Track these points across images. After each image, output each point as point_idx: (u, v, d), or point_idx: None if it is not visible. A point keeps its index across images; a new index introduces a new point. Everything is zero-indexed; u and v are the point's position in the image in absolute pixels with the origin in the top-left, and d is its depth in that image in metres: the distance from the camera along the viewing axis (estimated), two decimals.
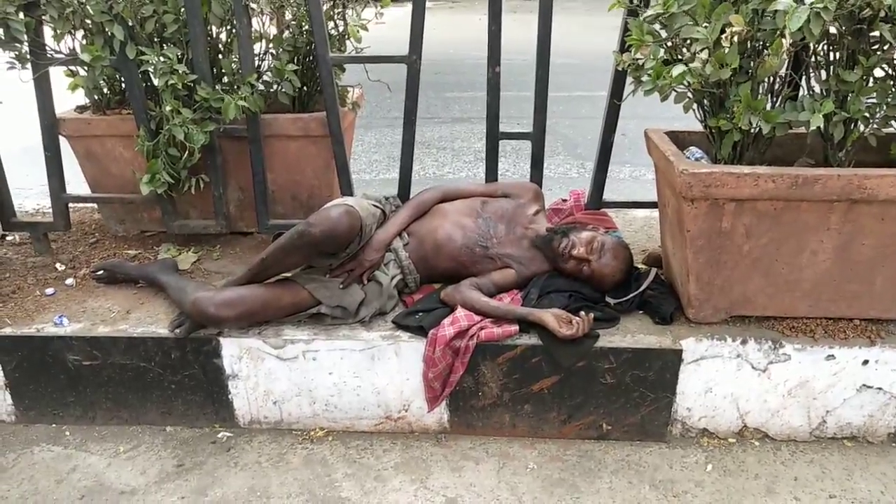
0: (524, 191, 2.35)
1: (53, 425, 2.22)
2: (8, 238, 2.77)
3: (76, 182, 2.71)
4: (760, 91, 1.91)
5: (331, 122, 2.37)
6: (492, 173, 2.46)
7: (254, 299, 2.01)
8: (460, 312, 2.05)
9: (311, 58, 2.57)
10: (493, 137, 2.39)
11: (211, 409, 2.18)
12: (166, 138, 2.31)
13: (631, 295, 2.14)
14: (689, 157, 2.08)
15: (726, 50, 1.68)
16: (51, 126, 2.44)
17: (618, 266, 2.13)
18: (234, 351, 2.09)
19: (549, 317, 1.98)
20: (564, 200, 2.56)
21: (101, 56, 2.20)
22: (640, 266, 2.43)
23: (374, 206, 2.24)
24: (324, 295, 2.07)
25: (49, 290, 2.34)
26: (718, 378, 2.05)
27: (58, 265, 2.52)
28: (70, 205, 2.81)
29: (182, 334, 2.06)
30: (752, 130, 1.77)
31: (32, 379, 2.16)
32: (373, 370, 2.09)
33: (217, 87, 2.35)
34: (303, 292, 2.07)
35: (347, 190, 2.48)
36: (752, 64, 1.84)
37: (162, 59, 2.23)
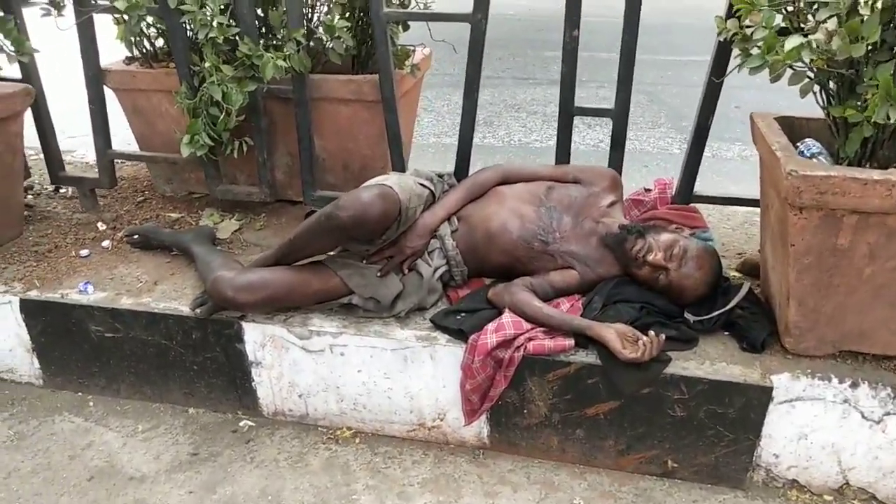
0: (599, 177, 2.01)
1: (79, 394, 2.13)
2: (61, 191, 2.69)
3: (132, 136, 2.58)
4: None
5: (383, 87, 2.11)
6: (563, 153, 2.12)
7: (278, 284, 1.80)
8: (507, 318, 1.77)
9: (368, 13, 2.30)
10: (567, 113, 2.05)
11: (234, 395, 2.02)
12: (206, 97, 2.11)
13: (715, 313, 1.78)
14: (802, 153, 1.69)
15: (864, 18, 1.28)
16: (95, 78, 2.30)
17: (701, 278, 1.77)
18: (258, 337, 1.91)
19: (612, 334, 1.67)
20: (648, 190, 2.19)
21: (137, 4, 2.02)
22: (732, 274, 2.06)
23: (422, 185, 1.97)
24: (357, 283, 1.84)
25: (84, 252, 2.23)
26: (817, 424, 1.69)
27: (100, 224, 2.41)
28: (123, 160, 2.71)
29: (203, 315, 1.89)
30: (892, 126, 1.37)
31: (58, 345, 2.06)
32: (405, 373, 1.86)
33: (262, 43, 2.12)
34: (334, 279, 1.85)
35: (399, 163, 2.22)
36: None
37: (203, 9, 2.02)
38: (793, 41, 1.34)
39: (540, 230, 1.90)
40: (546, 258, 1.90)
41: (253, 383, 1.98)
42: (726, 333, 1.82)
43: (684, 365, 1.70)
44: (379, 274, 1.87)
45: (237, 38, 2.08)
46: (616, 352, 1.64)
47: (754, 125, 1.83)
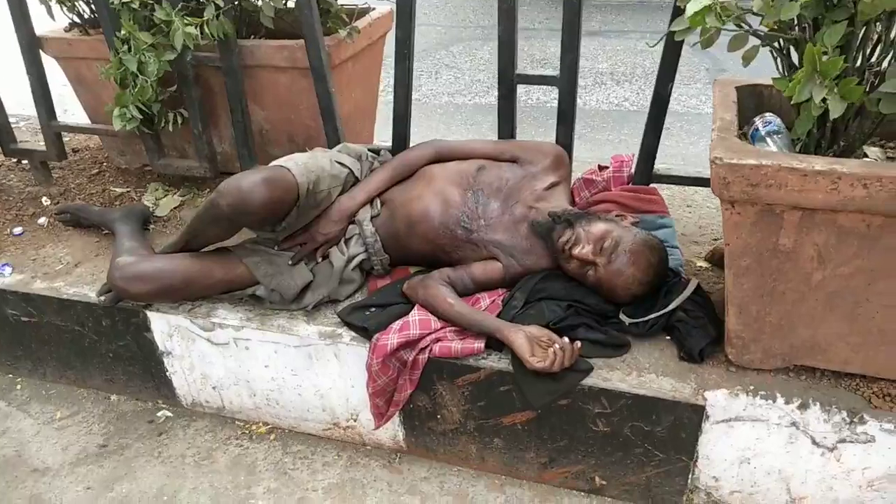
0: (539, 155, 1.78)
1: (9, 375, 2.09)
2: (23, 162, 2.64)
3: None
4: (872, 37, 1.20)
5: (309, 54, 1.91)
6: (506, 125, 1.89)
7: (174, 274, 1.67)
8: (414, 316, 1.59)
9: None
10: (507, 81, 1.81)
11: (152, 384, 1.93)
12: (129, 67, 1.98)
13: (653, 315, 1.55)
14: (757, 130, 1.42)
15: None
16: (30, 46, 2.20)
17: (635, 275, 1.53)
18: (164, 327, 1.80)
19: (521, 338, 1.46)
20: (603, 168, 1.94)
21: None
22: (699, 264, 1.81)
23: (340, 164, 1.79)
24: (264, 273, 1.70)
25: (17, 230, 2.16)
26: (760, 448, 1.45)
27: (44, 199, 2.34)
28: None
29: (107, 303, 1.79)
30: (820, 108, 1.09)
31: None
32: (312, 370, 1.71)
33: (182, 6, 1.95)
34: (240, 267, 1.70)
35: (333, 138, 2.04)
36: None
37: None
38: (694, 4, 1.08)
39: (463, 216, 1.69)
40: (469, 247, 1.70)
41: (167, 373, 1.89)
42: (668, 338, 1.58)
43: (607, 375, 1.49)
44: (290, 262, 1.72)
45: (155, 1, 1.93)
46: (523, 359, 1.45)
47: (714, 95, 1.56)
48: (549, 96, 4.42)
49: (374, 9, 2.33)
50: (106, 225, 2.07)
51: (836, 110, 1.03)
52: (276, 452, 1.80)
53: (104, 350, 1.91)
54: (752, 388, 1.43)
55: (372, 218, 1.77)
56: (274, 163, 1.68)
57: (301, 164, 1.65)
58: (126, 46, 1.92)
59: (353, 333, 1.65)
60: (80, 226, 2.16)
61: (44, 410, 1.96)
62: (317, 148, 1.92)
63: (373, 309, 1.68)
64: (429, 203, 1.72)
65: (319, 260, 1.74)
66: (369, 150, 1.95)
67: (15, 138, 2.45)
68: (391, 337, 1.55)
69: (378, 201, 1.80)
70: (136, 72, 1.93)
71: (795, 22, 1.29)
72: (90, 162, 2.61)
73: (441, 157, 1.84)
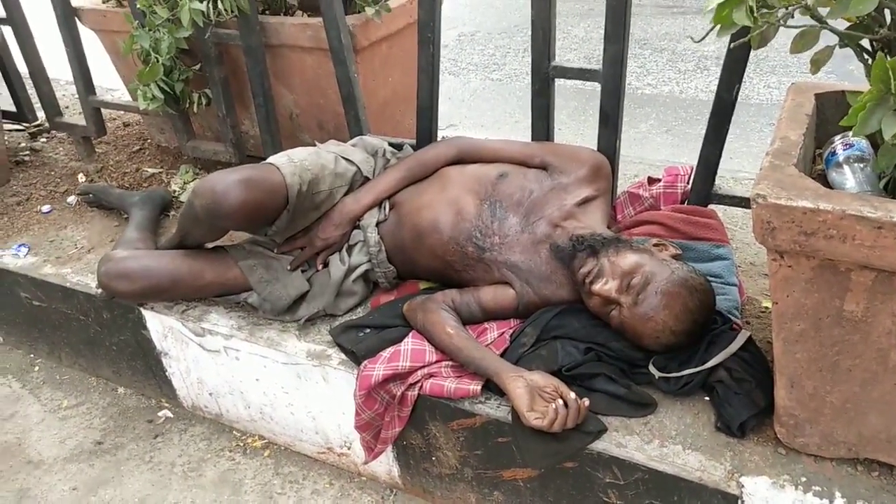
0: (574, 163, 1.50)
1: (31, 355, 2.07)
2: None
3: None
4: None
5: (328, 33, 1.72)
6: (540, 126, 1.62)
7: (162, 274, 1.54)
8: (408, 344, 1.39)
9: None
10: (542, 75, 1.54)
11: (154, 381, 1.84)
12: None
13: (686, 371, 1.27)
14: (833, 155, 1.10)
15: None
16: (67, 16, 2.13)
17: (666, 322, 1.25)
18: (158, 327, 1.69)
19: (520, 388, 1.23)
20: (654, 181, 1.63)
21: None
22: (765, 304, 1.50)
23: (347, 160, 1.59)
24: (259, 278, 1.54)
25: (45, 208, 2.12)
26: None
27: (80, 176, 2.29)
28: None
29: (103, 297, 1.70)
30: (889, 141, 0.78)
31: (3, 306, 1.99)
32: (301, 391, 1.55)
33: None
34: (233, 269, 1.56)
35: (355, 127, 1.84)
36: None
37: None
38: None
39: (476, 231, 1.46)
40: (481, 268, 1.47)
41: (167, 373, 1.79)
42: (707, 399, 1.30)
43: (622, 440, 1.24)
44: (289, 267, 1.56)
45: None
46: (519, 413, 1.22)
47: (784, 103, 1.23)
48: (641, 81, 4.02)
49: None
50: (124, 209, 1.99)
51: None
52: (266, 472, 1.66)
53: (108, 342, 1.83)
54: (804, 480, 1.14)
55: (378, 223, 1.57)
56: (269, 159, 1.51)
57: (296, 162, 1.47)
58: (141, 21, 1.80)
59: (344, 356, 1.47)
60: (103, 207, 2.09)
61: (53, 397, 1.92)
62: (330, 141, 1.73)
63: (367, 330, 1.49)
64: (439, 213, 1.49)
65: (320, 268, 1.57)
66: (391, 144, 1.74)
67: (60, 111, 2.42)
68: (378, 367, 1.36)
69: (387, 204, 1.59)
70: (148, 49, 1.81)
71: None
72: (135, 138, 2.55)
73: (463, 158, 1.61)
